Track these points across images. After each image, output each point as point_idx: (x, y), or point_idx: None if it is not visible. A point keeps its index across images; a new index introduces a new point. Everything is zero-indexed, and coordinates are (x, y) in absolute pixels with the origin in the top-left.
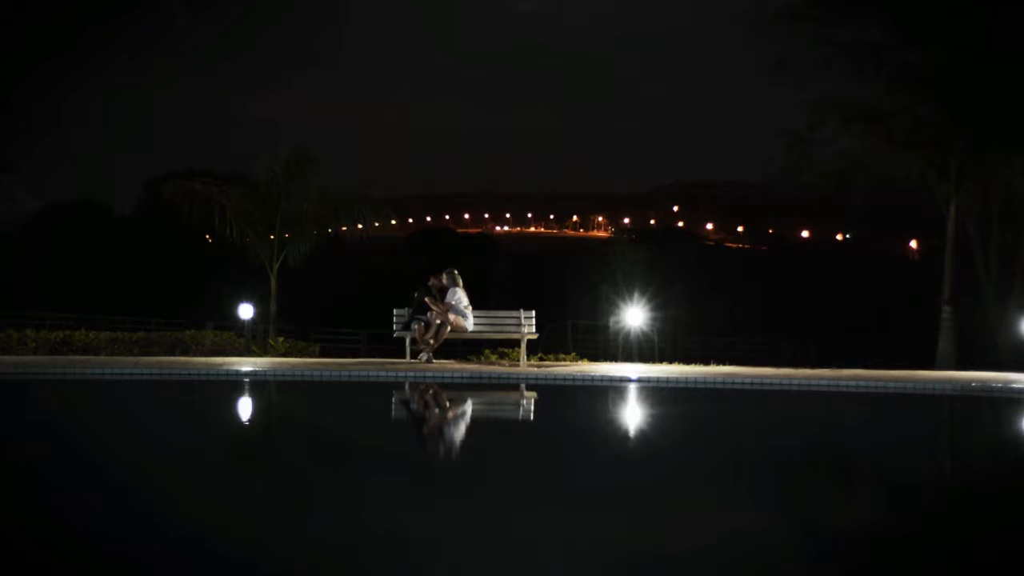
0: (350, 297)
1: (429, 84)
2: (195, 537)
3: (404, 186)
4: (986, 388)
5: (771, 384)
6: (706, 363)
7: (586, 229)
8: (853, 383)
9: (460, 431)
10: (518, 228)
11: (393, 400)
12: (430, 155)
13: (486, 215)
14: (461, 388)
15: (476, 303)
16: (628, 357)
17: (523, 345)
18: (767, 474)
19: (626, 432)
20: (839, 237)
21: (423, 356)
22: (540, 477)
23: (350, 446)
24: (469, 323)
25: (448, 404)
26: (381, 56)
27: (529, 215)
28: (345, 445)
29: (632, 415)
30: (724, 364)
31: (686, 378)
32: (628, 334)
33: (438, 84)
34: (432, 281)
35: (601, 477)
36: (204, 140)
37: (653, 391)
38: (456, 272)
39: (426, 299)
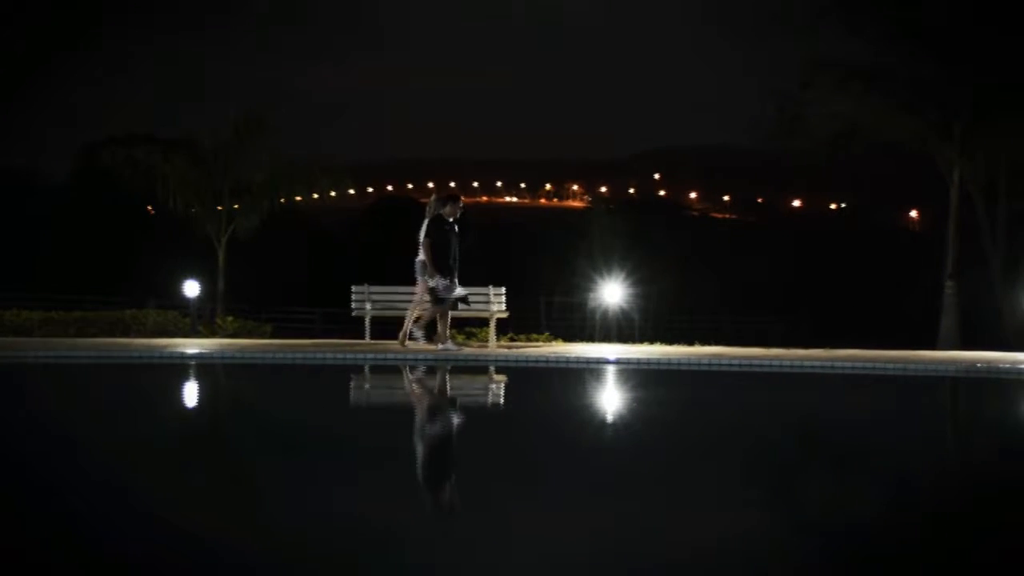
0: (304, 273)
1: (381, 43)
2: (128, 528)
3: (362, 153)
4: (992, 370)
5: (760, 366)
6: (690, 343)
7: (561, 199)
8: (849, 364)
9: (422, 419)
10: (486, 197)
11: (351, 385)
12: (388, 120)
13: (452, 183)
14: (426, 371)
15: None
16: (606, 337)
17: (492, 324)
18: (755, 464)
19: (604, 419)
20: (833, 207)
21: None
22: (509, 469)
23: (303, 436)
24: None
25: (412, 389)
26: (331, 12)
27: (499, 183)
28: (298, 435)
29: (611, 400)
30: (710, 344)
31: (668, 359)
32: (606, 312)
33: (391, 43)
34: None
35: (578, 468)
36: (151, 107)
37: (633, 373)
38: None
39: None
